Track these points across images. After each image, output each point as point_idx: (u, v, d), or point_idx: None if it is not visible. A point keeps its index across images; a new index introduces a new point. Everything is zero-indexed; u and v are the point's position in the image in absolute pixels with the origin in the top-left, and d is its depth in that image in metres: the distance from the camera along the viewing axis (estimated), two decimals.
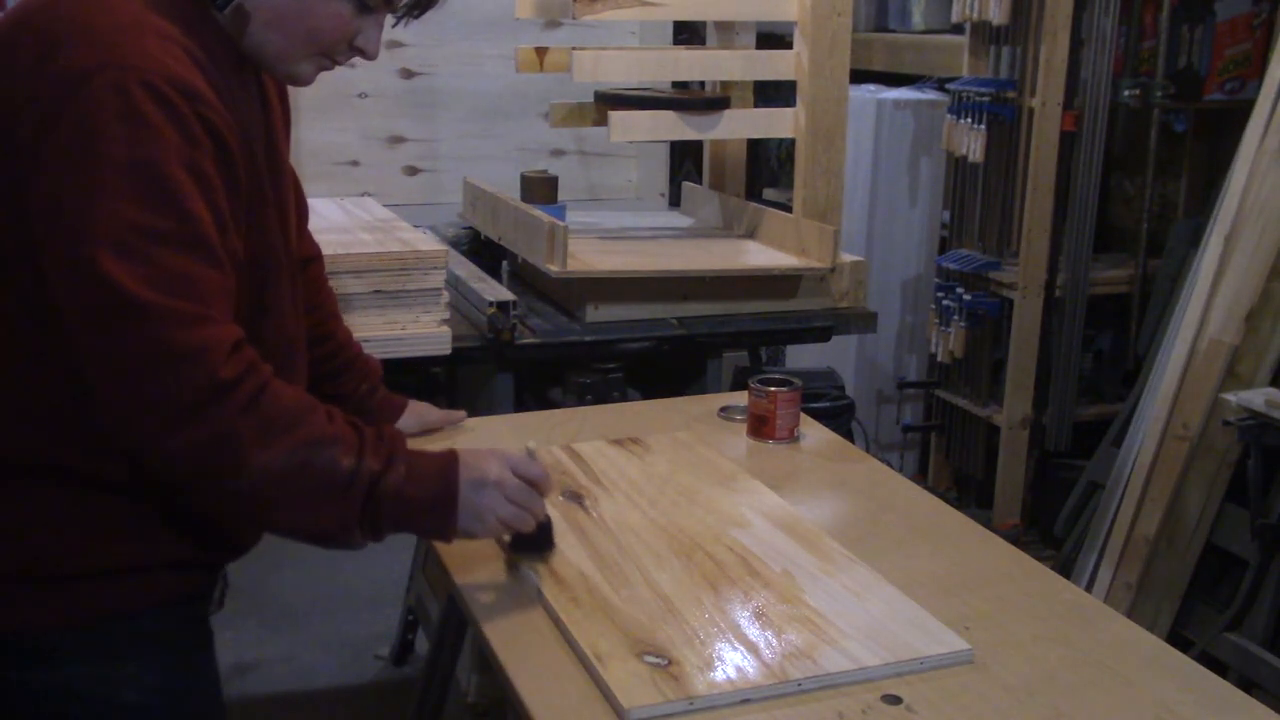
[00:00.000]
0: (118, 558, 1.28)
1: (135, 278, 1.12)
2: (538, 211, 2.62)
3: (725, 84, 3.02)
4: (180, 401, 1.15)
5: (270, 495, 1.22)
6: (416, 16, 1.35)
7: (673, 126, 2.79)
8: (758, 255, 2.76)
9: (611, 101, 2.82)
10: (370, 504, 1.25)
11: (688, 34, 3.87)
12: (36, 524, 1.25)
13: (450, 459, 1.33)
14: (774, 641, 1.30)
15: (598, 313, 2.55)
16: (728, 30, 3.03)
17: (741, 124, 2.87)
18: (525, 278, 2.82)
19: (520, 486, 1.36)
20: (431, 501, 1.30)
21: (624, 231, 3.00)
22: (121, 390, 1.15)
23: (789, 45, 2.81)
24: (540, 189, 3.16)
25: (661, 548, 1.52)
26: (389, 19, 1.34)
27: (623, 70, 2.71)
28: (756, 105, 3.07)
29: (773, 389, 1.90)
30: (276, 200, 1.37)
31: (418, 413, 1.80)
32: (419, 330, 2.37)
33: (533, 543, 1.46)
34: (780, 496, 1.69)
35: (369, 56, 1.34)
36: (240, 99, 1.29)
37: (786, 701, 1.22)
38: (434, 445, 1.75)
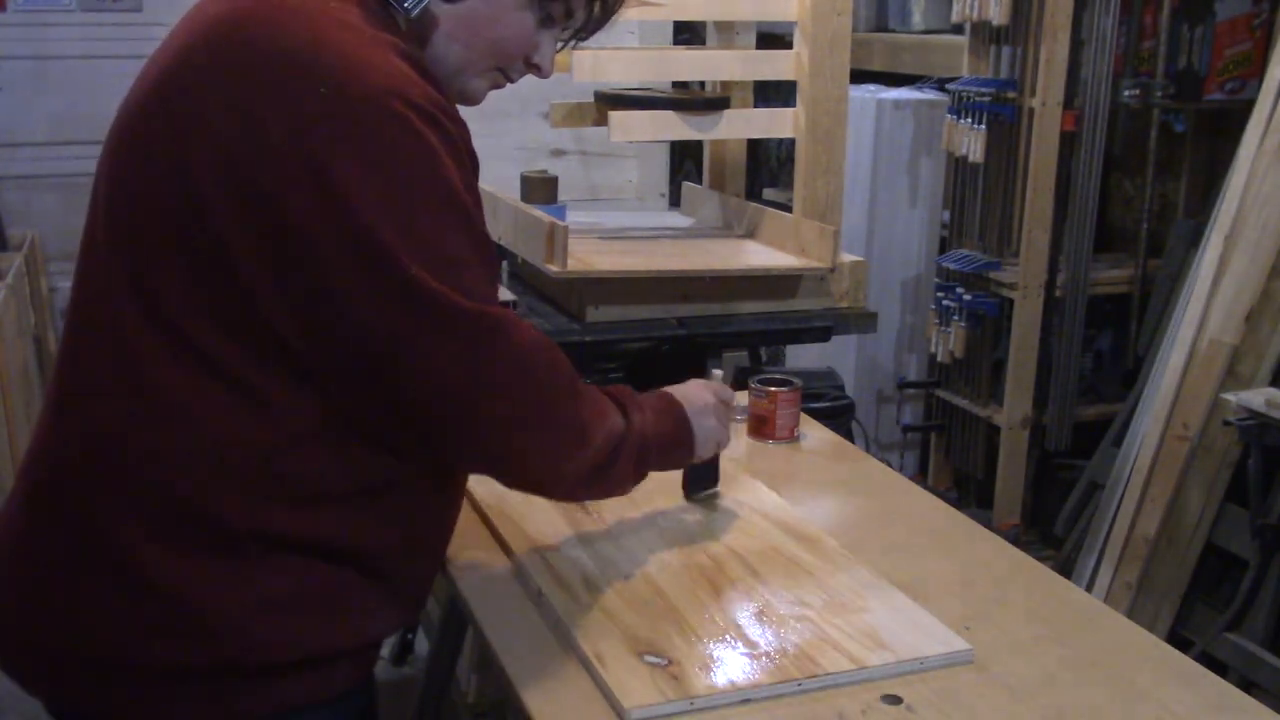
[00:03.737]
0: (326, 642, 1.20)
1: (465, 297, 1.13)
2: (538, 211, 2.62)
3: (725, 84, 3.02)
4: (559, 406, 1.25)
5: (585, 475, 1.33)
6: (584, 39, 1.31)
7: (672, 126, 2.79)
8: (757, 255, 2.76)
9: (611, 101, 2.82)
10: (641, 453, 1.37)
11: (688, 34, 3.87)
12: (257, 607, 1.16)
13: (670, 397, 1.47)
14: (774, 641, 1.30)
15: (598, 313, 2.55)
16: (728, 30, 3.03)
17: (741, 124, 2.86)
18: (525, 278, 2.82)
19: (722, 407, 1.52)
20: (675, 437, 1.44)
21: (624, 231, 3.00)
22: (494, 411, 1.19)
23: (789, 45, 2.81)
24: (540, 189, 3.16)
25: (661, 547, 1.51)
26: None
27: (622, 70, 2.70)
28: (756, 105, 3.07)
29: (773, 389, 1.90)
30: None
31: None
32: None
33: (707, 475, 1.64)
34: (780, 496, 1.69)
35: (543, 74, 1.30)
36: None
37: (786, 702, 1.22)
38: None
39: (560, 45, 1.30)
